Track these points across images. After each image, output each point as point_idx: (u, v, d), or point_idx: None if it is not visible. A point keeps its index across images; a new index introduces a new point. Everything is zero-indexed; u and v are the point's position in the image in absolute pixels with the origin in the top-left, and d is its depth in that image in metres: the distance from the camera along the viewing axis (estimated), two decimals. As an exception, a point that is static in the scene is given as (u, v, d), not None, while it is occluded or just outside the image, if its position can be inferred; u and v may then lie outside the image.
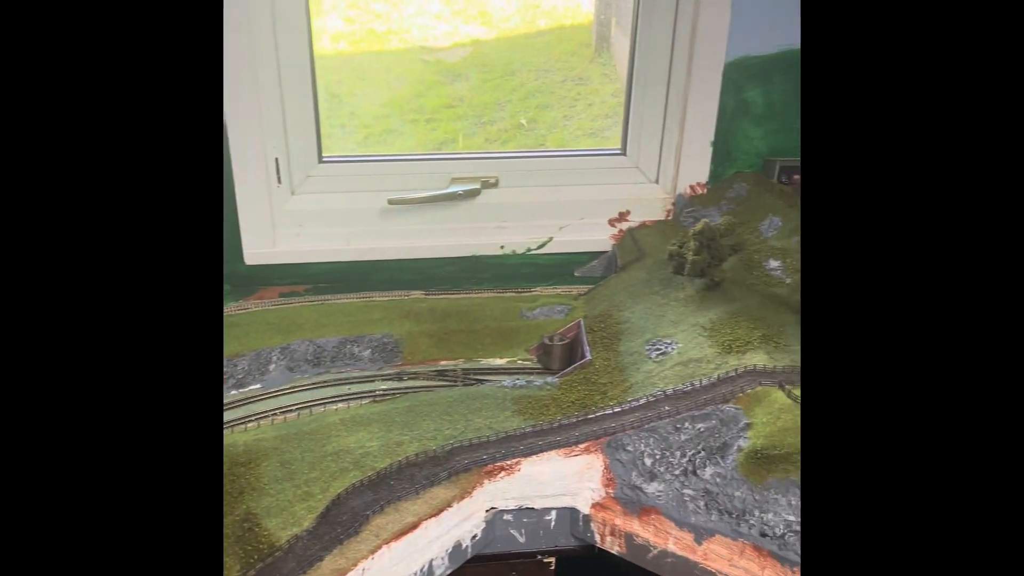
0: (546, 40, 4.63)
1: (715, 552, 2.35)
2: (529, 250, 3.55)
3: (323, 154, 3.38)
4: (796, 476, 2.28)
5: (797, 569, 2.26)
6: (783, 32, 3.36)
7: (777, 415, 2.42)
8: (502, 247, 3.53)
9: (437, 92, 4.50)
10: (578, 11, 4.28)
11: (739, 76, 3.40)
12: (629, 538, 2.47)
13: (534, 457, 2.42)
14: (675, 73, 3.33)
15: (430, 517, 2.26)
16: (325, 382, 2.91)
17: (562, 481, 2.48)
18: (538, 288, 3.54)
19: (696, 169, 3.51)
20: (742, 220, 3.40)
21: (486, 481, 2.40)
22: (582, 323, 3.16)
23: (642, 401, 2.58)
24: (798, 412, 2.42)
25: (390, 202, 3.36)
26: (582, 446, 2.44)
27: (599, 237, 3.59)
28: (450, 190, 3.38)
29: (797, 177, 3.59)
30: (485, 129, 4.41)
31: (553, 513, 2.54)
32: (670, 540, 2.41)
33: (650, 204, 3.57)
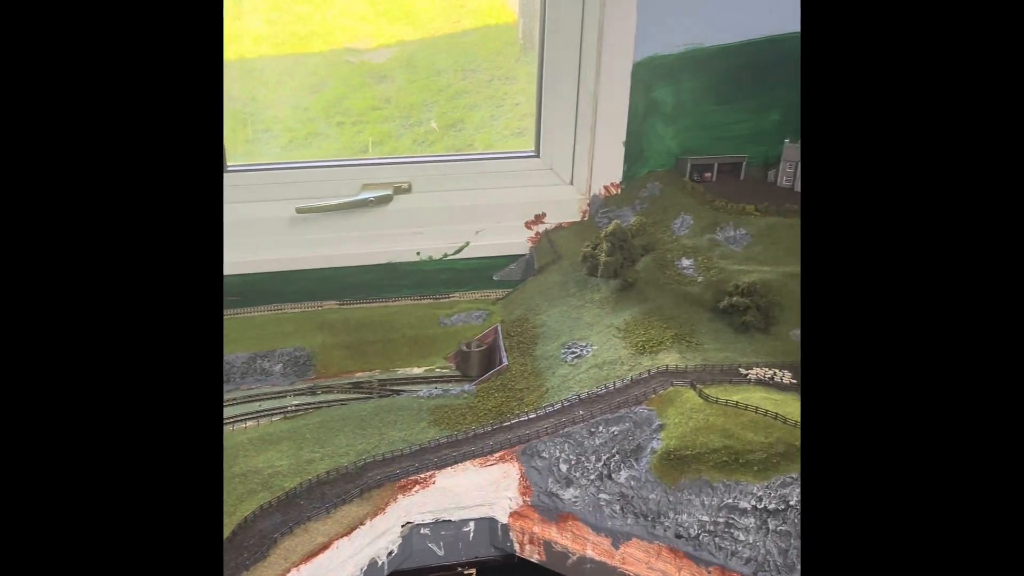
0: (472, 39, 4.59)
1: (632, 556, 2.35)
2: (446, 256, 3.51)
3: (228, 163, 3.27)
4: (708, 476, 2.29)
5: (713, 569, 2.27)
6: (689, 31, 3.39)
7: (689, 415, 2.43)
8: (418, 253, 3.48)
9: (363, 94, 4.43)
10: (504, 10, 4.24)
11: (648, 76, 3.42)
12: (548, 545, 2.45)
13: (449, 469, 2.38)
14: (584, 74, 3.33)
15: (341, 536, 2.20)
16: (234, 400, 2.81)
17: (479, 491, 2.45)
18: (456, 294, 3.49)
19: (609, 169, 3.52)
20: (655, 219, 3.42)
21: (400, 496, 2.35)
22: (499, 328, 3.13)
23: (557, 406, 2.56)
24: (709, 411, 2.44)
25: (298, 210, 3.28)
26: (497, 455, 2.41)
27: (516, 240, 3.56)
28: (361, 197, 3.31)
29: (708, 175, 3.63)
30: (413, 131, 4.36)
31: (471, 524, 2.50)
32: (588, 546, 2.40)
33: (565, 206, 3.56)
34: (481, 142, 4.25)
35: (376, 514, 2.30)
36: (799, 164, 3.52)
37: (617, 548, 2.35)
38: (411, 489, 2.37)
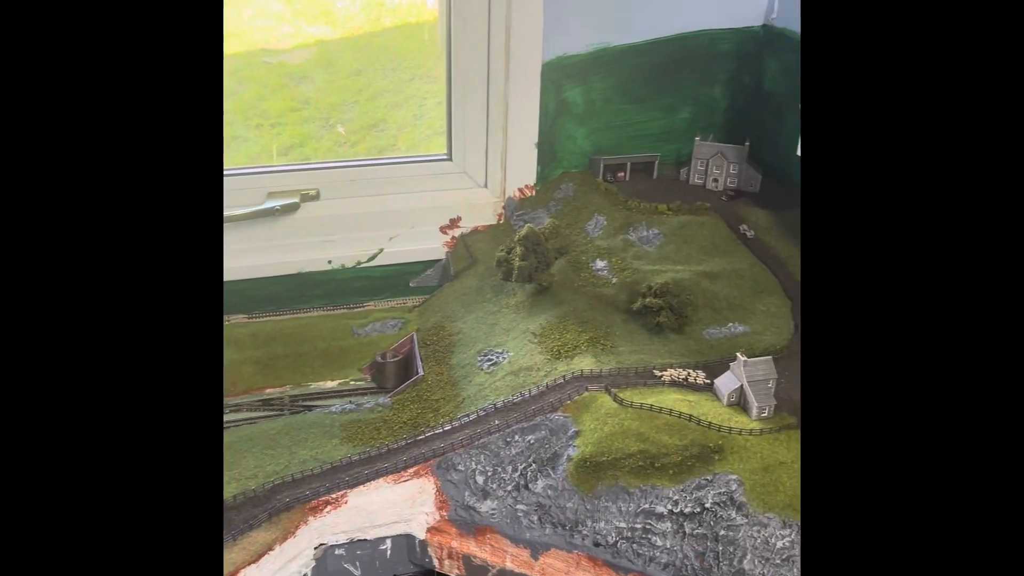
0: (392, 38, 4.51)
1: (552, 566, 2.31)
2: (359, 264, 3.42)
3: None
4: (625, 481, 2.28)
5: (632, 575, 2.25)
6: (597, 31, 3.37)
7: (604, 420, 2.41)
8: (330, 262, 3.38)
9: (282, 95, 4.30)
10: (423, 8, 4.16)
11: (558, 76, 3.39)
12: (467, 559, 2.40)
13: (362, 487, 2.31)
14: (493, 75, 3.28)
15: (249, 564, 2.11)
16: (133, 425, 2.68)
17: (394, 508, 2.38)
18: (370, 303, 3.41)
19: (523, 171, 3.48)
20: (569, 221, 3.40)
21: (311, 518, 2.27)
22: (415, 337, 3.07)
23: (473, 417, 2.51)
24: (624, 416, 2.43)
25: (200, 223, 3.14)
26: (411, 470, 2.35)
27: (432, 245, 3.50)
28: (266, 206, 3.20)
29: (622, 175, 3.63)
30: (333, 132, 4.25)
31: (388, 542, 2.44)
32: (507, 558, 2.35)
33: (480, 209, 3.51)
34: (404, 142, 4.17)
35: (286, 538, 2.21)
36: (710, 161, 3.55)
37: (536, 559, 2.32)
38: (322, 510, 2.29)
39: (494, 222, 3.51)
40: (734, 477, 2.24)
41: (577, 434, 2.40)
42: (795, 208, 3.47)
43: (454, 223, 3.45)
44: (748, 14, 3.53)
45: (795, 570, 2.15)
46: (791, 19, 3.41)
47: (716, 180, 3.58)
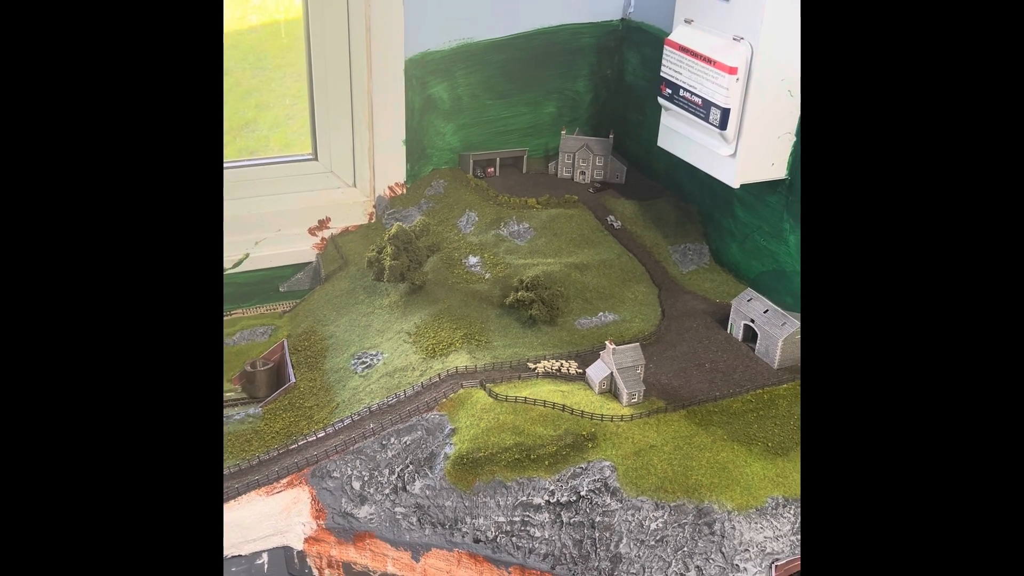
0: (260, 36, 4.34)
1: (434, 566, 2.30)
2: (225, 270, 3.29)
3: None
4: (502, 476, 2.29)
5: (513, 569, 2.27)
6: (459, 26, 3.36)
7: (480, 416, 2.42)
8: (192, 270, 3.23)
9: None
10: (291, 5, 4.02)
11: (422, 72, 3.36)
12: (347, 567, 2.36)
13: (233, 502, 2.23)
14: (356, 72, 3.22)
15: (111, 595, 1.99)
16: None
17: (269, 521, 2.31)
18: (238, 311, 3.29)
19: (392, 169, 3.44)
20: (440, 218, 3.39)
21: (179, 539, 2.16)
22: (286, 344, 2.98)
23: (347, 422, 2.47)
24: (500, 410, 2.44)
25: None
26: (285, 480, 2.28)
27: (301, 248, 3.41)
28: (119, 215, 3.02)
29: (492, 170, 3.64)
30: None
31: (265, 556, 2.36)
32: (388, 562, 2.33)
33: (350, 209, 3.45)
34: (277, 142, 4.04)
35: (152, 563, 2.11)
36: (576, 154, 3.61)
37: (418, 560, 2.30)
38: (191, 530, 2.19)
39: (365, 222, 3.46)
40: (607, 464, 2.29)
41: (453, 432, 2.40)
42: (659, 198, 3.58)
43: (323, 224, 3.37)
44: (606, 8, 3.60)
45: (668, 550, 2.21)
46: (647, 13, 3.50)
47: (583, 173, 3.64)
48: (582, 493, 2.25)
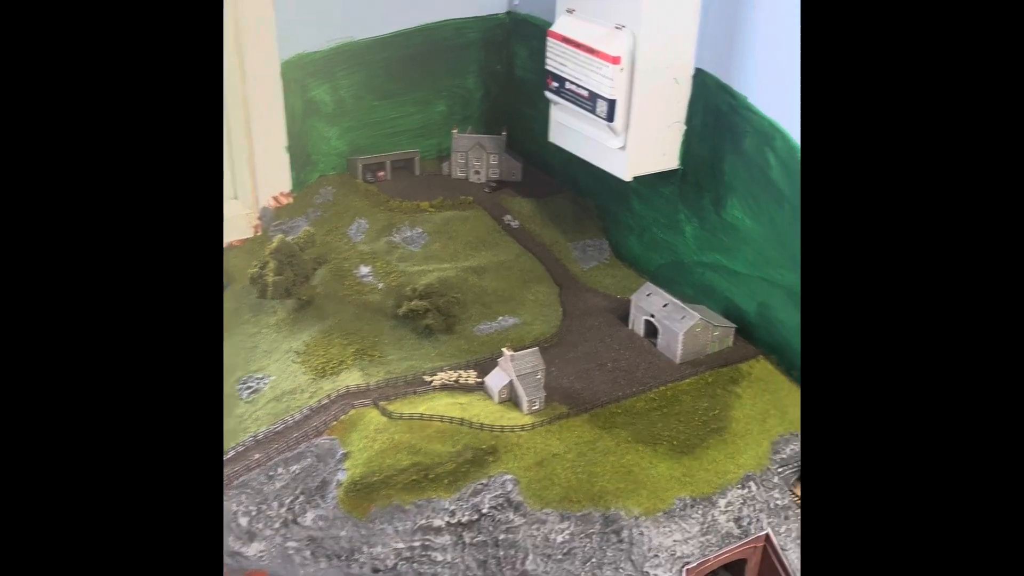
0: None
1: (331, 602, 2.16)
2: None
3: None
4: (399, 499, 2.18)
5: (415, 596, 2.15)
6: (337, 25, 3.21)
7: (373, 437, 2.29)
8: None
9: None
10: None
11: (300, 75, 3.19)
12: (239, 611, 2.19)
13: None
14: (228, 77, 3.02)
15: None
16: None
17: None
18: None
19: (276, 178, 3.26)
20: (329, 227, 3.23)
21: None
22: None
23: (230, 455, 2.30)
24: (394, 429, 2.32)
25: None
26: (163, 525, 2.09)
27: (181, 267, 3.19)
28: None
29: (382, 174, 3.50)
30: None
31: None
32: (283, 601, 2.18)
33: (232, 222, 3.24)
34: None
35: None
36: (469, 153, 3.50)
37: (314, 597, 2.16)
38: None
39: (251, 235, 3.27)
40: (509, 477, 2.19)
41: (346, 456, 2.27)
42: (556, 194, 3.51)
43: (204, 240, 3.16)
44: (491, 2, 3.50)
45: (576, 562, 2.13)
46: (533, 5, 3.41)
47: (478, 172, 3.54)
48: (484, 511, 2.15)
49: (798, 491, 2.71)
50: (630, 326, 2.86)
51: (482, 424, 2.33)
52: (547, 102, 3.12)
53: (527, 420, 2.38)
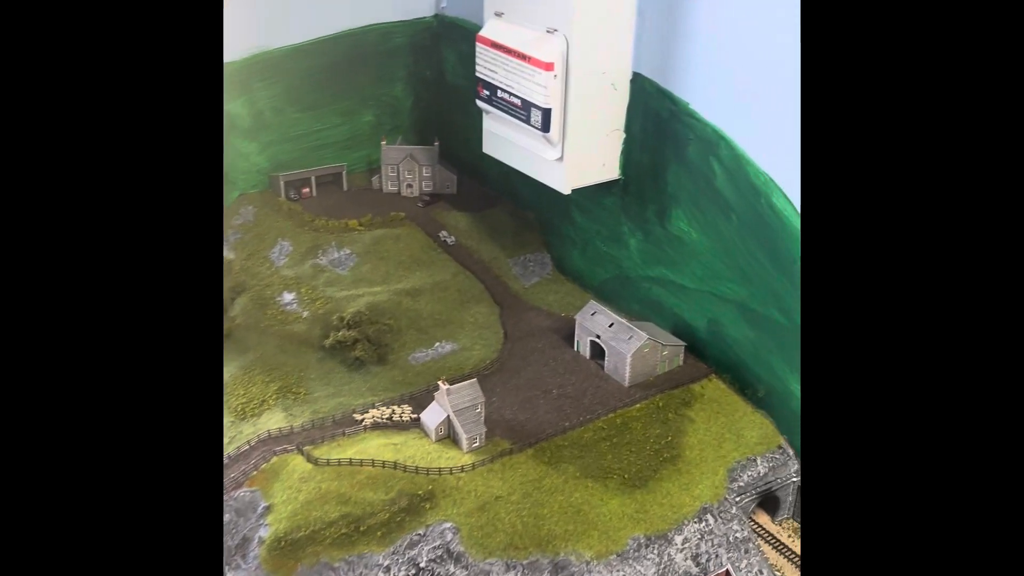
0: None
1: (254, 676, 1.96)
2: None
3: None
4: (327, 556, 2.00)
5: (348, 665, 1.96)
6: (251, 35, 3.00)
7: (298, 488, 2.11)
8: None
9: None
10: None
11: (213, 88, 2.97)
12: None
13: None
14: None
15: None
16: None
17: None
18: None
19: (190, 199, 3.03)
20: (250, 251, 3.02)
21: None
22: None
23: (138, 514, 2.07)
24: (321, 477, 2.15)
25: None
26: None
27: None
28: None
29: (307, 191, 3.30)
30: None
31: None
32: (200, 678, 1.95)
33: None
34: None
35: None
36: (400, 165, 3.31)
37: (235, 671, 1.95)
38: None
39: (164, 262, 3.03)
40: (449, 525, 2.03)
41: (268, 510, 2.08)
42: (494, 207, 3.35)
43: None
44: (418, 5, 3.32)
45: (523, 617, 1.97)
46: (461, 7, 3.24)
47: (410, 186, 3.35)
48: (421, 564, 1.99)
49: (758, 520, 2.60)
50: (575, 348, 2.71)
51: (418, 467, 2.17)
52: (480, 109, 2.96)
53: (467, 460, 2.22)
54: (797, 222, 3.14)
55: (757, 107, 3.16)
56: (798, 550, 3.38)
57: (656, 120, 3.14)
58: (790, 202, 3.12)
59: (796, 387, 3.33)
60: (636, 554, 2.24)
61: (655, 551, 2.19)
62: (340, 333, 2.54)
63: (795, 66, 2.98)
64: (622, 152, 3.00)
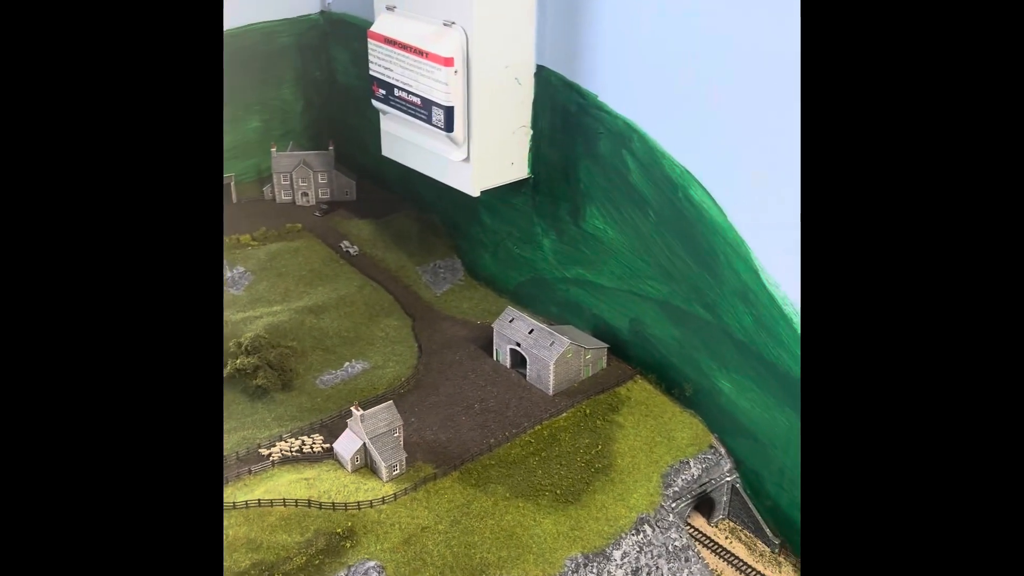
0: None
1: None
2: None
3: None
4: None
5: None
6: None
7: (200, 540, 1.89)
8: None
9: None
10: None
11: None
12: None
13: None
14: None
15: None
16: None
17: None
18: None
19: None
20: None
21: None
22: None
23: None
24: (228, 523, 1.94)
25: None
26: None
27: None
28: None
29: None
30: None
31: None
32: None
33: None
34: None
35: None
36: (293, 173, 3.10)
37: None
38: None
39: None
40: (372, 564, 1.87)
41: (168, 567, 1.84)
42: (397, 212, 3.18)
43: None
44: (302, 2, 3.12)
45: (462, 658, 1.82)
46: (349, 3, 3.05)
47: (306, 194, 3.15)
48: (348, 613, 1.81)
49: (695, 524, 2.54)
50: (495, 357, 2.57)
51: (334, 502, 1.99)
52: (377, 109, 2.79)
53: (388, 490, 2.05)
54: (716, 214, 3.10)
55: (669, 97, 3.10)
56: (737, 552, 3.38)
57: (564, 114, 3.04)
58: (708, 194, 3.08)
59: (724, 384, 3.31)
60: (575, 575, 2.14)
61: (594, 570, 2.09)
62: (238, 360, 2.33)
63: (707, 51, 2.94)
64: (530, 149, 2.89)
